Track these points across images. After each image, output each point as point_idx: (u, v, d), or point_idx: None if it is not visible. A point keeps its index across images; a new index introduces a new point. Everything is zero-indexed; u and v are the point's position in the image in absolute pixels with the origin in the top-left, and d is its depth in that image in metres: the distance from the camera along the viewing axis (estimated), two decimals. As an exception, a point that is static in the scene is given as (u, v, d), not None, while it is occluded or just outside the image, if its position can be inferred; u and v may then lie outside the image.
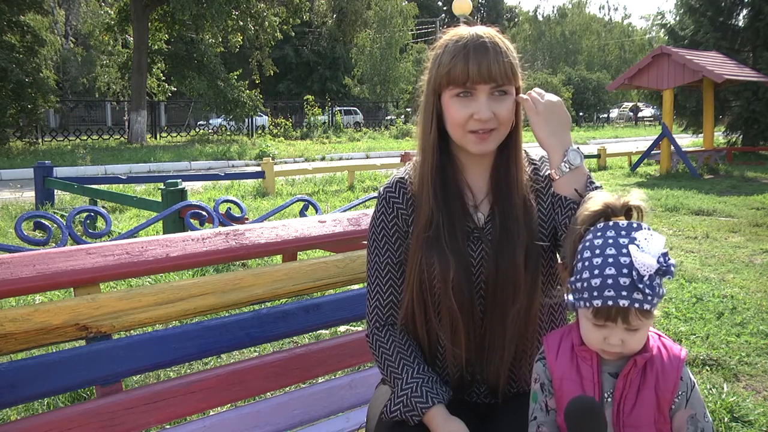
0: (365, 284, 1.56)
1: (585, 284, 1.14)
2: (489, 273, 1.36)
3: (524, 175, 1.44)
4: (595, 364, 1.19)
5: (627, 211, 1.20)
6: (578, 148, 1.38)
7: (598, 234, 1.17)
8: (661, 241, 1.12)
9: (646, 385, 1.17)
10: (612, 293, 1.10)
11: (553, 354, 1.24)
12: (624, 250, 1.12)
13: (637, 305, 1.09)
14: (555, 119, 1.38)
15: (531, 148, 1.51)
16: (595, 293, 1.12)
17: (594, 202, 1.22)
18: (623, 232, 1.15)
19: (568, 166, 1.35)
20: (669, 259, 1.11)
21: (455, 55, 1.34)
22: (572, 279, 1.19)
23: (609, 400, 1.18)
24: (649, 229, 1.16)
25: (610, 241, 1.14)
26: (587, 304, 1.14)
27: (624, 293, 1.09)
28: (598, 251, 1.14)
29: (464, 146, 1.39)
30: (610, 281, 1.10)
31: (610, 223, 1.18)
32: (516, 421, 1.33)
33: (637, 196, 1.21)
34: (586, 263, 1.15)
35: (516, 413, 1.35)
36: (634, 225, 1.16)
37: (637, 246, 1.11)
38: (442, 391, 1.33)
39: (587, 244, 1.17)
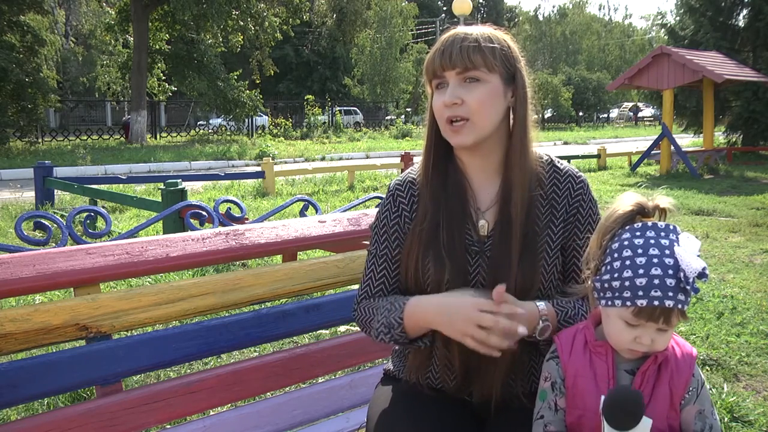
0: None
1: (627, 283, 1.14)
2: (487, 287, 1.34)
3: (528, 185, 1.38)
4: (610, 360, 1.20)
5: (655, 211, 1.22)
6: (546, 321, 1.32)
7: (637, 233, 1.17)
8: (698, 245, 1.15)
9: (661, 382, 1.19)
10: (659, 293, 1.10)
11: (566, 352, 1.24)
12: (667, 251, 1.13)
13: (680, 306, 1.11)
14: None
15: (544, 148, 1.48)
16: (640, 293, 1.12)
17: (626, 201, 1.22)
18: (663, 233, 1.16)
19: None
20: (704, 262, 1.13)
21: (432, 50, 1.38)
22: (605, 277, 1.18)
23: None
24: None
25: (652, 241, 1.15)
26: (628, 303, 1.13)
27: (670, 294, 1.10)
28: (640, 251, 1.14)
29: (447, 139, 1.39)
30: (656, 281, 1.11)
31: (649, 224, 1.18)
32: (513, 422, 1.33)
33: (666, 199, 1.23)
34: (627, 262, 1.15)
35: (513, 414, 1.35)
36: (671, 227, 1.17)
37: (681, 248, 1.13)
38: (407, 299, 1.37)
39: (626, 243, 1.17)
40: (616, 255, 1.18)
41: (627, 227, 1.20)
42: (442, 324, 1.28)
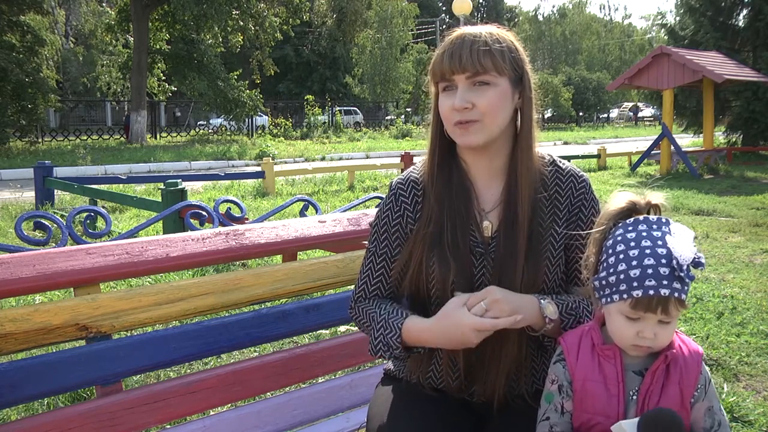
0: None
1: (622, 276, 1.15)
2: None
3: (534, 185, 1.38)
4: (618, 363, 1.20)
5: (648, 208, 1.24)
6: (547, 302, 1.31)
7: (630, 228, 1.19)
8: (691, 234, 1.16)
9: (670, 380, 1.19)
10: (653, 282, 1.11)
11: (573, 355, 1.24)
12: (660, 242, 1.14)
13: (676, 294, 1.12)
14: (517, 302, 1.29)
15: (544, 148, 1.48)
16: (635, 284, 1.13)
17: (619, 200, 1.24)
18: (655, 226, 1.18)
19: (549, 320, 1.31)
20: (699, 250, 1.14)
21: (438, 51, 1.37)
22: (602, 274, 1.19)
23: (635, 398, 1.19)
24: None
25: (644, 234, 1.16)
26: (625, 296, 1.14)
27: (665, 282, 1.11)
28: (633, 244, 1.16)
29: (455, 140, 1.39)
30: (650, 271, 1.12)
31: (641, 218, 1.20)
32: (515, 422, 1.33)
33: (658, 195, 1.24)
34: (621, 256, 1.16)
35: (515, 414, 1.35)
36: (663, 219, 1.19)
37: (673, 237, 1.14)
38: (403, 312, 1.37)
39: (619, 238, 1.19)
40: (610, 251, 1.19)
41: (620, 224, 1.21)
42: (444, 345, 1.30)
